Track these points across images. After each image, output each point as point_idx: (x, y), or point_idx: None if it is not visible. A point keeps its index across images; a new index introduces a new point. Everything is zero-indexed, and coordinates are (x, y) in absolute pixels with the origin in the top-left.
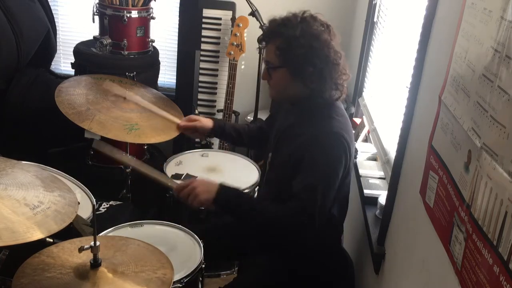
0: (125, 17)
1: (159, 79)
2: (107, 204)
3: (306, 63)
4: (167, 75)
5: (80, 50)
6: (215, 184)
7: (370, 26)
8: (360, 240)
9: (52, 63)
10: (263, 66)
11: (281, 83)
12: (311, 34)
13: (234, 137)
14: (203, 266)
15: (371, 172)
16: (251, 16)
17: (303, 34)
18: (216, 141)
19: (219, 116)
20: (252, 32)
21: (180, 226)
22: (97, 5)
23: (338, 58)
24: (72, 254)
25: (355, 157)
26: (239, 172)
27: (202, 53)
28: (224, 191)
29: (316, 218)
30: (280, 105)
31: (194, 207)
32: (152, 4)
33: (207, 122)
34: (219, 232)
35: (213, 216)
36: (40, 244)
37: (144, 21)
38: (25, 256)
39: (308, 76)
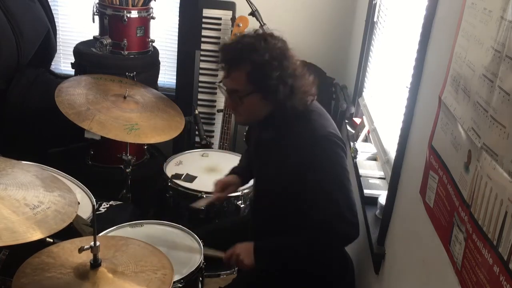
0: (125, 17)
1: (159, 79)
2: (107, 204)
3: (279, 83)
4: (167, 75)
5: (80, 50)
6: (251, 247)
7: (370, 26)
8: (360, 240)
9: (52, 63)
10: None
11: (253, 108)
12: (278, 54)
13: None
14: (203, 266)
15: (371, 172)
16: (251, 16)
17: (272, 56)
18: (216, 141)
19: (219, 116)
20: None
21: (180, 226)
22: (97, 5)
23: (300, 67)
24: (72, 254)
25: (355, 157)
26: None
27: (202, 53)
28: (260, 251)
29: (354, 222)
30: (252, 126)
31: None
32: (152, 4)
33: (237, 182)
34: (219, 232)
35: (213, 216)
36: (40, 244)
37: (144, 21)
38: (25, 256)
39: (281, 94)
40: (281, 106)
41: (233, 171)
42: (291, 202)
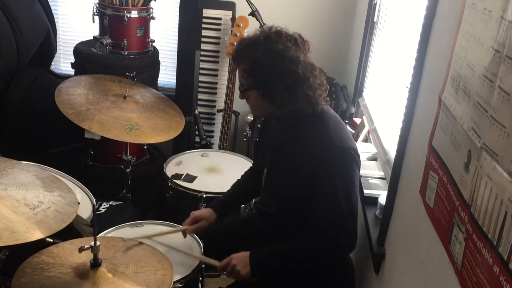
0: (125, 17)
1: (159, 79)
2: (107, 204)
3: (272, 83)
4: (167, 75)
5: (80, 50)
6: (247, 256)
7: (370, 26)
8: (360, 240)
9: (52, 63)
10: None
11: (255, 103)
12: (274, 54)
13: (238, 205)
14: (203, 266)
15: (371, 172)
16: (251, 16)
17: (265, 55)
18: (216, 141)
19: (219, 116)
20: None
21: (180, 226)
22: (97, 5)
23: (309, 71)
24: (72, 254)
25: None
26: (239, 172)
27: (202, 53)
28: (256, 260)
29: (352, 233)
30: (267, 121)
31: (241, 280)
32: (152, 4)
33: (211, 216)
34: (219, 232)
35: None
36: (40, 244)
37: (144, 21)
38: (25, 256)
39: (278, 95)
40: (282, 106)
41: (212, 204)
42: (297, 206)
